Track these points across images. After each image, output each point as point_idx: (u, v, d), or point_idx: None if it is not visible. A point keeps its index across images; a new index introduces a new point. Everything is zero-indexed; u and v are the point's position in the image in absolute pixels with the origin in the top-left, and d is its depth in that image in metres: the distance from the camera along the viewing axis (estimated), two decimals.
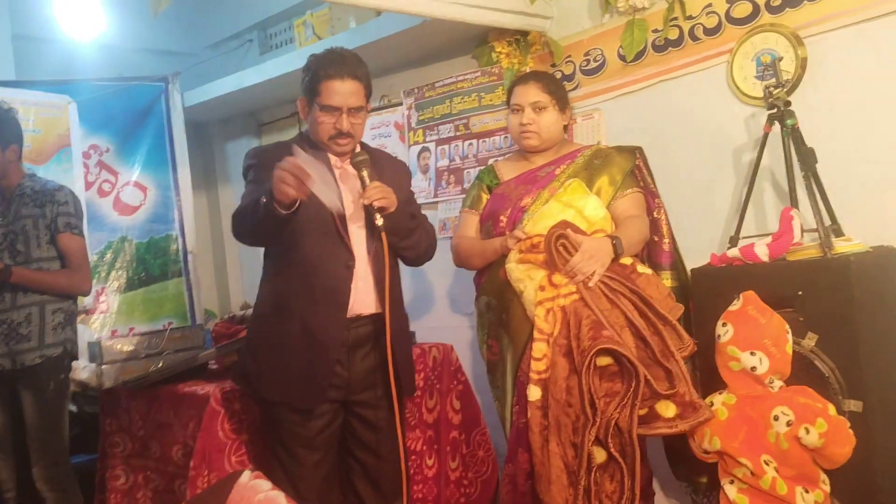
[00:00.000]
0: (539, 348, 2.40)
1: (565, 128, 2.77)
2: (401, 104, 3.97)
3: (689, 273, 2.62)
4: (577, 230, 2.46)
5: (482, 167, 3.15)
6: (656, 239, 2.65)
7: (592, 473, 2.27)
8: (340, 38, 3.80)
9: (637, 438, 2.24)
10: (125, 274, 4.22)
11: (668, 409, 2.26)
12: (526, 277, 2.48)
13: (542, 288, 2.43)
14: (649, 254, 2.67)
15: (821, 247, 2.32)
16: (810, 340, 2.29)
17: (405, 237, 2.44)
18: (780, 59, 2.59)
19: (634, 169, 2.66)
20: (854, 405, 2.23)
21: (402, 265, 2.56)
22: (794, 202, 2.51)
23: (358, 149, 2.49)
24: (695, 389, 2.35)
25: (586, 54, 3.23)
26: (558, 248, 2.42)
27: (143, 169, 4.29)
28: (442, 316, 3.78)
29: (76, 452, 3.09)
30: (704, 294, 2.53)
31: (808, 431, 2.20)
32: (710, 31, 2.86)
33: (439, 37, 3.53)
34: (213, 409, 2.67)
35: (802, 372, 2.29)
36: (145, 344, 3.28)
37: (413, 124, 3.92)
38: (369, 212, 2.32)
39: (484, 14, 3.17)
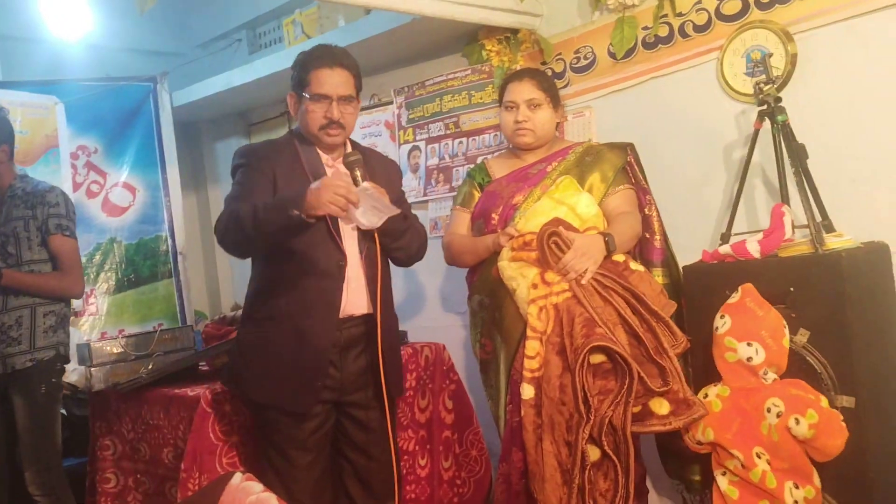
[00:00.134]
0: (532, 346, 2.39)
1: (557, 125, 2.77)
2: (391, 103, 3.96)
3: (680, 270, 2.62)
4: (569, 228, 2.45)
5: (472, 165, 3.14)
6: (648, 236, 2.65)
7: (586, 472, 2.27)
8: (329, 37, 3.78)
9: (631, 436, 2.24)
10: (114, 276, 4.21)
11: (661, 407, 2.26)
12: (518, 275, 2.47)
13: (534, 286, 2.43)
14: (641, 250, 2.67)
15: (812, 243, 2.33)
16: (802, 336, 2.29)
17: (397, 238, 2.43)
18: (770, 55, 2.59)
19: (626, 165, 2.65)
20: (846, 401, 2.23)
21: (392, 265, 2.55)
22: (784, 198, 2.51)
23: (349, 147, 2.48)
24: (688, 386, 2.34)
25: (576, 52, 3.23)
26: (551, 245, 2.41)
27: (131, 170, 4.28)
28: (434, 315, 3.77)
29: (65, 456, 3.07)
30: (696, 291, 2.52)
31: (797, 422, 2.21)
32: (700, 28, 2.86)
33: (429, 35, 3.52)
34: (203, 410, 2.65)
35: (795, 367, 2.30)
36: (135, 346, 3.26)
37: (403, 123, 3.91)
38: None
39: (474, 12, 3.16)
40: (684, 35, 2.91)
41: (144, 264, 4.28)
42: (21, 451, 2.91)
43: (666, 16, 2.94)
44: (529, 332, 2.41)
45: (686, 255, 2.65)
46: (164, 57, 4.77)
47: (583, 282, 2.38)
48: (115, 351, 3.22)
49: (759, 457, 2.29)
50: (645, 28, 3.00)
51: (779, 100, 2.49)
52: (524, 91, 2.66)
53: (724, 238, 2.58)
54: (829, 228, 2.42)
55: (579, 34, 3.21)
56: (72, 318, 3.23)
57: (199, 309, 4.78)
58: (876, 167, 2.53)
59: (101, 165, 4.20)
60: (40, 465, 2.89)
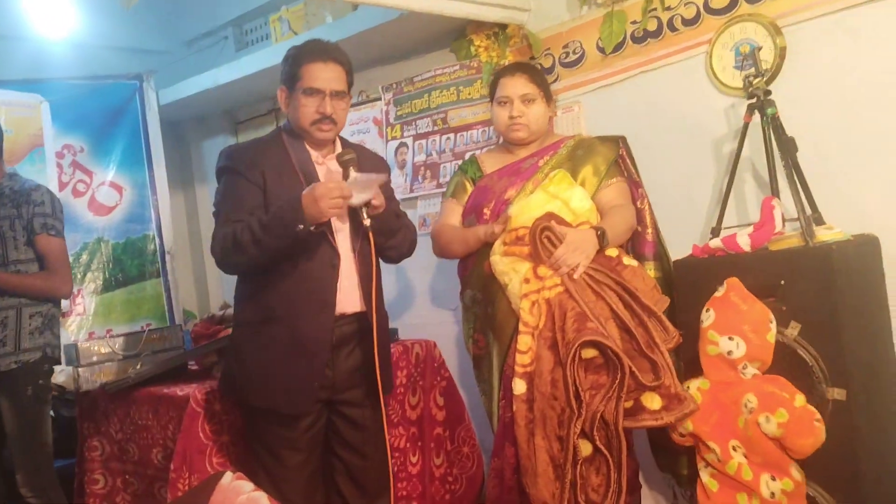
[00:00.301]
0: (524, 341, 2.38)
1: (549, 120, 2.76)
2: (379, 99, 3.94)
3: (672, 264, 2.62)
4: (561, 222, 2.44)
5: (459, 160, 3.13)
6: (640, 229, 2.64)
7: (578, 467, 2.26)
8: (317, 33, 3.73)
9: (623, 431, 2.23)
10: (102, 275, 4.18)
11: (653, 402, 2.25)
12: (511, 270, 2.46)
13: (526, 280, 2.42)
14: (633, 244, 2.66)
15: (802, 236, 2.33)
16: (793, 329, 2.29)
17: (390, 237, 2.42)
18: (760, 48, 2.59)
19: (618, 159, 2.65)
20: (837, 393, 2.23)
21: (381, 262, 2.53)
22: (774, 192, 2.51)
23: (339, 144, 2.47)
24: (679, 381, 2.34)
25: (565, 47, 3.22)
26: (543, 239, 2.40)
27: (118, 168, 4.25)
28: (424, 312, 3.76)
29: (53, 457, 3.04)
30: (687, 285, 2.52)
31: (767, 419, 2.22)
32: (689, 22, 2.86)
33: (417, 31, 3.51)
34: (193, 410, 2.63)
35: (785, 361, 2.29)
36: (123, 346, 3.24)
37: (391, 120, 3.90)
38: (356, 211, 2.28)
39: (461, 7, 3.14)
40: (673, 29, 2.90)
41: (132, 264, 4.25)
42: (11, 454, 2.88)
43: (655, 10, 2.93)
44: (521, 327, 2.40)
45: (676, 250, 2.65)
46: (150, 55, 4.73)
47: (575, 276, 2.37)
48: (102, 351, 3.20)
49: (735, 450, 2.30)
50: (634, 22, 3.00)
51: (768, 93, 2.49)
52: (518, 86, 2.64)
53: (715, 232, 2.58)
54: (820, 221, 2.42)
55: (568, 29, 3.20)
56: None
57: (187, 308, 4.76)
58: (865, 159, 2.53)
59: (87, 164, 4.17)
60: (30, 466, 2.87)
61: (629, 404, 2.26)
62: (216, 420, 2.68)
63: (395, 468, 3.02)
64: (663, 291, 2.51)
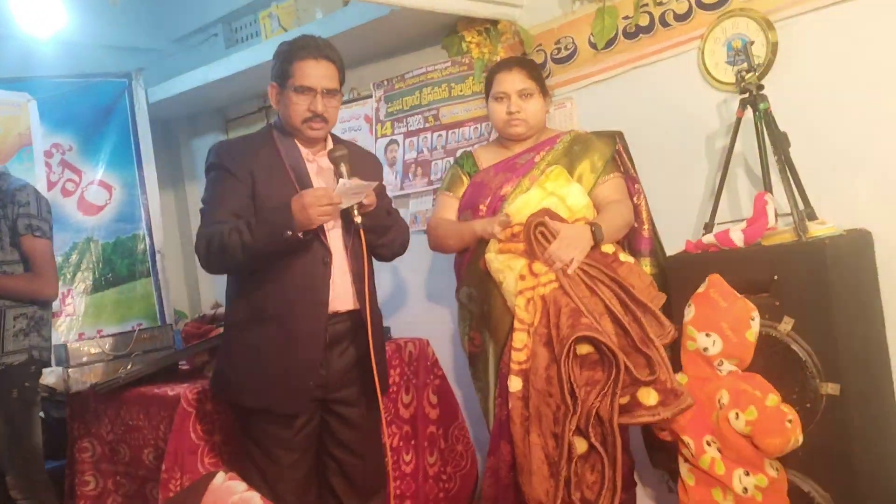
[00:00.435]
0: (520, 338, 2.37)
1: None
2: (370, 97, 3.92)
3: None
4: (556, 218, 2.43)
5: (451, 157, 3.11)
6: (636, 225, 2.62)
7: (573, 464, 2.26)
8: (307, 30, 3.71)
9: (618, 428, 2.22)
10: (91, 275, 4.15)
11: (649, 397, 2.24)
12: (506, 268, 2.45)
13: (522, 277, 2.41)
14: (629, 240, 2.65)
15: (795, 231, 2.33)
16: (786, 325, 2.29)
17: (382, 234, 2.40)
18: (752, 43, 2.58)
19: (615, 154, 2.63)
20: (831, 388, 2.23)
21: (374, 260, 2.52)
22: (767, 187, 2.50)
23: (330, 142, 2.45)
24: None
25: (557, 43, 3.21)
26: (537, 235, 2.39)
27: (107, 167, 4.23)
28: (417, 310, 3.74)
29: (44, 458, 3.02)
30: (680, 281, 2.51)
31: (737, 416, 2.23)
32: (681, 17, 2.85)
33: (408, 27, 3.49)
34: (184, 410, 2.62)
35: (779, 356, 2.29)
36: (113, 346, 3.22)
37: (382, 117, 3.88)
38: (347, 209, 2.26)
39: (453, 3, 3.13)
40: (665, 24, 2.89)
41: (122, 263, 4.23)
42: (0, 456, 2.86)
43: (646, 5, 2.92)
44: (517, 324, 2.39)
45: (669, 245, 2.65)
46: (138, 53, 4.70)
47: (569, 271, 2.36)
48: (92, 351, 3.18)
49: (709, 444, 2.31)
50: (625, 18, 2.99)
51: (760, 88, 2.49)
52: (515, 81, 2.62)
53: (708, 228, 2.57)
54: (812, 216, 2.42)
55: (560, 25, 3.19)
56: None
57: (178, 308, 4.73)
58: (858, 154, 2.53)
59: (76, 163, 4.14)
60: (20, 469, 2.84)
61: (625, 400, 2.25)
62: (208, 420, 2.66)
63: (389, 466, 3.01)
64: (660, 288, 2.50)
